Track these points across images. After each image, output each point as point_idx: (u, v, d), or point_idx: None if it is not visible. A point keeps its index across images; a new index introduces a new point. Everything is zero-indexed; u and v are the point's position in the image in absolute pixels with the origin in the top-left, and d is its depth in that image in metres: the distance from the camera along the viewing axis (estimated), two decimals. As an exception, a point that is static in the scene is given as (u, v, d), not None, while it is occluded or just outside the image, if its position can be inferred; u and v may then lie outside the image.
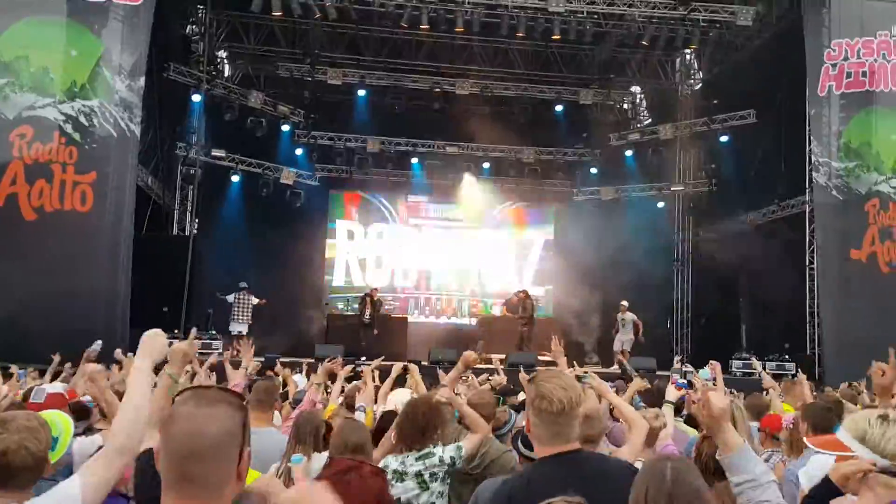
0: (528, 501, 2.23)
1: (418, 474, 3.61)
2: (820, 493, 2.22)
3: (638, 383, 5.93)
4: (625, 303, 15.83)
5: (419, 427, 3.70)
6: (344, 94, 18.27)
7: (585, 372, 5.47)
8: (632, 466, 2.50)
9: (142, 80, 13.35)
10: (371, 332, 15.52)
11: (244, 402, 1.64)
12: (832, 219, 14.81)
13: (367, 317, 15.75)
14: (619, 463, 2.48)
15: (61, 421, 3.13)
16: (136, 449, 2.11)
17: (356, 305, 16.53)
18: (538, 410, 2.36)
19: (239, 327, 15.13)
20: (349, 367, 6.74)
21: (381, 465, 3.69)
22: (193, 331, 3.79)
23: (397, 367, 6.01)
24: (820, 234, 14.95)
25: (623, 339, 15.57)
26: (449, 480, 3.67)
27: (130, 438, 2.09)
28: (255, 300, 15.24)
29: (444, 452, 3.66)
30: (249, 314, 15.21)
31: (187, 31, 17.11)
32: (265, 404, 4.48)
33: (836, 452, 2.28)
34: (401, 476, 3.59)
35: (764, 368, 13.78)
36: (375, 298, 16.58)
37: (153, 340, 2.37)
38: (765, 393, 6.77)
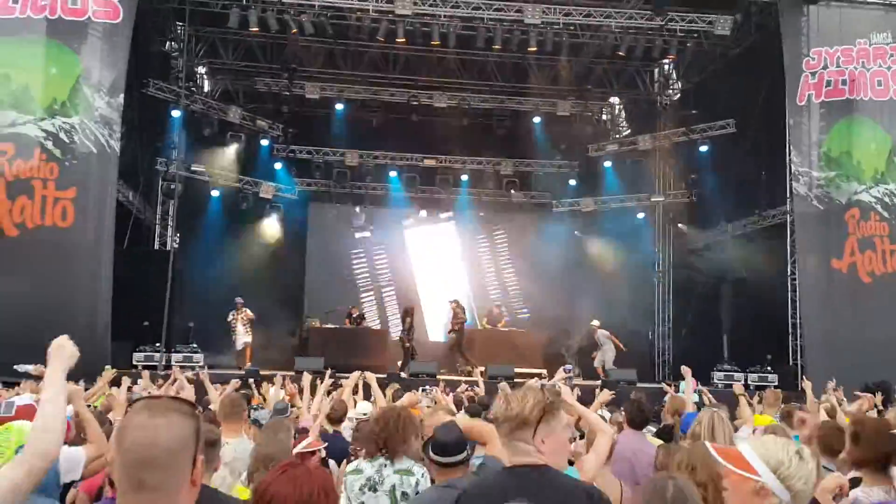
0: None
1: (392, 489, 3.53)
2: None
3: (605, 395, 5.89)
4: (595, 322, 15.76)
5: (393, 435, 3.64)
6: (322, 107, 18.30)
7: (550, 379, 5.49)
8: (592, 489, 2.44)
9: (121, 97, 13.49)
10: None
11: (196, 411, 1.66)
12: (813, 228, 14.84)
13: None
14: (578, 484, 2.41)
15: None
16: (54, 453, 2.13)
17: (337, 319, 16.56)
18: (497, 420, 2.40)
19: (245, 339, 15.40)
20: (329, 382, 6.77)
21: (353, 466, 3.63)
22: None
23: (354, 376, 5.99)
24: (801, 244, 14.97)
25: (604, 359, 15.47)
26: None
27: (49, 443, 2.13)
28: (250, 313, 15.45)
29: (422, 479, 3.58)
30: (250, 326, 15.44)
31: (166, 47, 17.20)
32: (234, 416, 4.65)
33: (736, 469, 2.27)
34: (374, 486, 3.52)
35: (746, 380, 13.95)
36: (356, 314, 16.56)
37: (63, 348, 2.40)
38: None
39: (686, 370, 6.71)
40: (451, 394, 8.56)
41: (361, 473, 3.57)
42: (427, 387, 11.08)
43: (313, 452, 4.18)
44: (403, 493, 3.52)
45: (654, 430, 6.01)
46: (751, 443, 2.34)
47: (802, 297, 14.79)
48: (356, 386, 6.98)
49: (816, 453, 2.32)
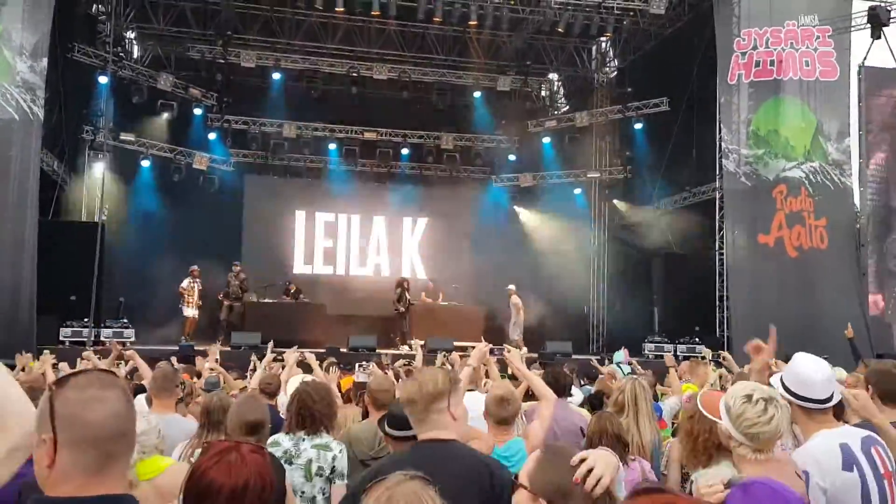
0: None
1: (308, 463, 3.51)
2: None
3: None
4: (511, 286, 15.98)
5: (315, 409, 3.63)
6: (258, 77, 17.83)
7: (502, 346, 5.59)
8: (492, 462, 2.56)
9: (44, 61, 12.99)
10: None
11: (123, 380, 1.74)
12: (741, 204, 15.37)
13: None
14: (478, 459, 2.50)
15: None
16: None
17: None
18: (403, 402, 2.59)
19: (190, 312, 14.92)
20: (271, 356, 6.70)
21: (272, 440, 3.61)
22: None
23: (295, 354, 5.93)
24: (729, 220, 15.48)
25: (520, 324, 15.69)
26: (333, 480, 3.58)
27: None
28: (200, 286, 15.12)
29: (339, 454, 3.57)
30: (198, 298, 15.09)
31: (93, 10, 16.48)
32: (166, 391, 4.51)
33: (709, 414, 2.44)
34: (290, 459, 3.50)
35: (675, 351, 14.46)
36: (294, 289, 16.39)
37: None
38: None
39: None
40: (389, 368, 8.57)
41: (279, 446, 3.54)
42: (364, 362, 11.08)
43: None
44: (319, 468, 3.52)
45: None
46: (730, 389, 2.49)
47: (730, 271, 15.35)
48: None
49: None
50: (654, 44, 17.41)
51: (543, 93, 20.52)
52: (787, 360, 9.18)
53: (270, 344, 7.30)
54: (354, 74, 17.76)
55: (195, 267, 15.09)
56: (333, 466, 3.52)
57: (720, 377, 6.65)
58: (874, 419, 2.51)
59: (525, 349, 13.68)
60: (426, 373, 2.56)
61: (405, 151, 19.02)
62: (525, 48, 18.25)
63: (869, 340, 13.78)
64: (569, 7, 15.77)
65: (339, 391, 6.02)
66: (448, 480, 1.68)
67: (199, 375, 7.65)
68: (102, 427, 1.53)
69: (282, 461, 3.41)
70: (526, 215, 19.20)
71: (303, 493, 3.50)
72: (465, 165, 19.42)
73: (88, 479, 1.53)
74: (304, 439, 3.58)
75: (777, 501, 1.99)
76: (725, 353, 6.62)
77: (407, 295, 16.31)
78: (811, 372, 2.80)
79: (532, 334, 16.25)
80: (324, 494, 3.52)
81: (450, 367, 6.27)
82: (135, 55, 17.68)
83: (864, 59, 15.02)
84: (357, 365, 11.80)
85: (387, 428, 3.31)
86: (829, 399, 2.75)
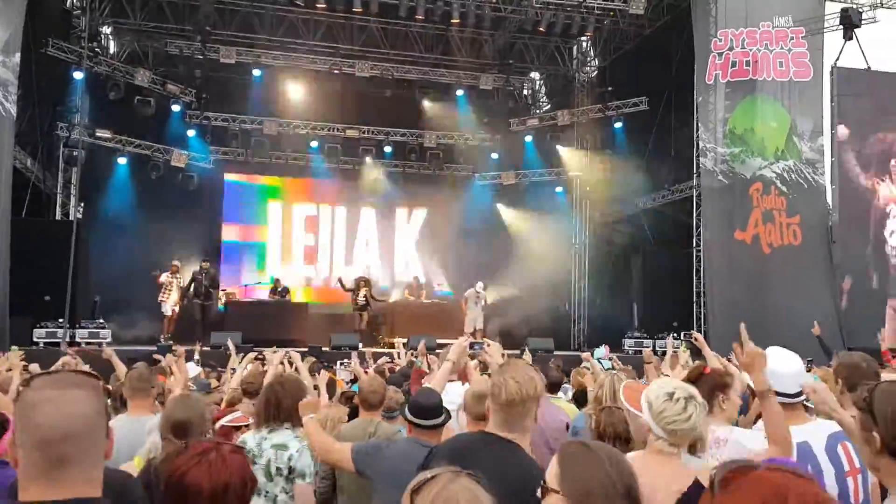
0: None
1: (268, 464, 3.50)
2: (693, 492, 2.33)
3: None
4: (479, 284, 15.94)
5: (279, 406, 3.63)
6: (238, 73, 17.64)
7: (484, 339, 5.60)
8: (539, 474, 2.50)
9: (17, 57, 12.73)
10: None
11: (99, 383, 1.60)
12: (718, 202, 15.59)
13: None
14: (536, 468, 2.42)
15: None
16: None
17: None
18: (492, 397, 2.52)
19: (168, 309, 14.53)
20: (252, 356, 6.64)
21: (240, 440, 3.59)
22: None
23: (279, 354, 5.86)
24: (706, 217, 15.69)
25: (475, 317, 15.52)
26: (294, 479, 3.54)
27: None
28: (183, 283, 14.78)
29: (295, 454, 3.52)
30: (177, 295, 14.66)
31: (67, 4, 16.20)
32: (141, 392, 4.35)
33: (629, 405, 2.52)
34: (254, 459, 3.46)
35: (654, 346, 14.59)
36: (280, 287, 16.28)
37: None
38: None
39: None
40: (372, 366, 8.55)
41: (246, 446, 3.49)
42: (346, 360, 11.03)
43: (239, 427, 4.09)
44: (278, 469, 3.50)
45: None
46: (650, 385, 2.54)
47: (707, 268, 15.55)
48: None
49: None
50: (633, 44, 17.58)
51: (525, 91, 20.60)
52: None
53: (231, 343, 7.11)
54: (336, 71, 17.67)
55: (176, 262, 14.77)
56: (290, 466, 3.49)
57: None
58: (834, 414, 2.46)
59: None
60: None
61: (388, 149, 18.97)
62: (507, 47, 18.32)
63: (841, 335, 14.06)
64: (550, 6, 15.85)
65: (332, 391, 5.97)
66: (504, 480, 1.67)
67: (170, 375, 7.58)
68: (50, 429, 1.45)
69: None
70: (508, 213, 19.25)
71: (266, 492, 3.49)
72: (448, 163, 19.42)
73: (49, 483, 1.46)
74: (265, 438, 3.57)
75: None
76: (697, 334, 6.68)
77: (362, 293, 16.02)
78: (781, 366, 2.79)
79: (514, 330, 16.32)
80: (286, 493, 3.50)
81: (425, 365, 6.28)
82: (111, 50, 17.41)
83: (837, 59, 15.28)
84: (338, 362, 11.78)
85: (409, 415, 3.35)
86: (799, 394, 2.75)
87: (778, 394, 2.70)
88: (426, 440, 3.22)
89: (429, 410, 3.36)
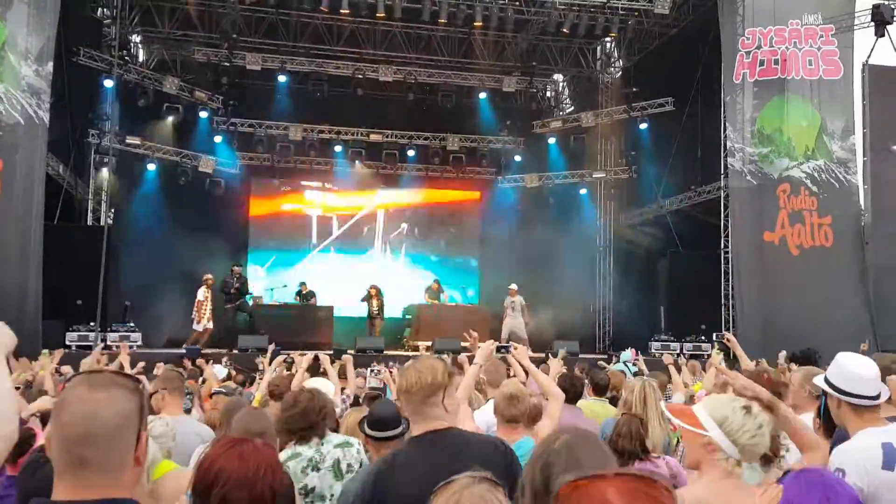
0: (392, 481, 2.30)
1: (336, 463, 3.45)
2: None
3: (557, 365, 5.99)
4: (514, 286, 15.87)
5: (313, 418, 3.55)
6: (264, 79, 17.84)
7: (508, 343, 5.59)
8: (499, 441, 2.57)
9: (50, 66, 12.96)
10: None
11: (140, 386, 1.58)
12: (746, 203, 15.39)
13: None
14: (485, 438, 2.52)
15: None
16: (12, 435, 2.01)
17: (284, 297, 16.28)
18: (399, 392, 2.57)
19: (201, 327, 14.44)
20: (280, 359, 6.69)
21: (289, 452, 3.59)
22: None
23: (308, 357, 5.92)
24: (734, 218, 15.50)
25: (513, 324, 15.37)
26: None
27: (5, 426, 2.00)
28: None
29: (360, 446, 3.53)
30: (210, 310, 14.61)
31: (98, 14, 16.50)
32: (178, 391, 4.54)
33: (685, 424, 2.40)
34: (317, 466, 3.41)
35: (681, 350, 14.45)
36: (305, 291, 16.38)
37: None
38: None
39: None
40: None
41: (301, 456, 3.44)
42: (374, 365, 11.05)
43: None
44: (349, 465, 3.45)
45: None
46: (703, 402, 2.46)
47: (735, 269, 15.35)
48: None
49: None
50: (658, 43, 17.40)
51: (549, 93, 20.53)
52: (791, 358, 9.21)
53: (271, 347, 7.26)
54: (360, 76, 17.77)
55: (209, 276, 14.70)
56: (361, 460, 3.48)
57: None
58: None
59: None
60: (425, 363, 2.54)
61: (411, 153, 19.02)
62: (530, 49, 18.27)
63: (874, 336, 13.79)
64: (573, 7, 15.79)
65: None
66: (473, 464, 1.66)
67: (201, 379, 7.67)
68: (70, 427, 1.46)
69: (309, 469, 3.34)
70: (532, 215, 19.18)
71: (332, 494, 3.41)
72: (471, 166, 19.41)
73: (76, 482, 1.46)
74: (322, 444, 3.51)
75: (828, 490, 2.02)
76: (729, 335, 6.58)
77: (374, 302, 16.05)
78: (860, 369, 2.80)
79: (539, 334, 16.23)
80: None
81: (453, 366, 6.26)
82: (140, 59, 17.74)
83: (868, 57, 15.00)
84: (368, 369, 11.82)
85: (367, 430, 3.29)
86: (878, 396, 2.76)
87: (860, 396, 2.74)
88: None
89: (385, 422, 3.29)
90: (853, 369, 2.79)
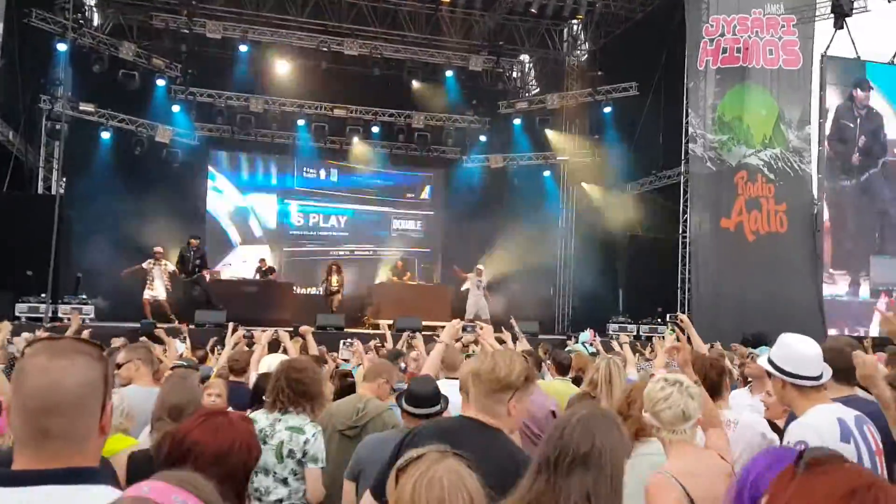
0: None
1: (280, 445, 3.47)
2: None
3: (521, 346, 6.02)
4: (481, 266, 15.93)
5: (300, 389, 3.57)
6: (225, 49, 17.34)
7: (473, 321, 5.59)
8: (528, 460, 2.47)
9: (0, 27, 12.33)
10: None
11: (103, 353, 1.51)
12: (705, 189, 15.66)
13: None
14: (519, 455, 2.39)
15: None
16: None
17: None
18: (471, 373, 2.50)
19: (158, 293, 14.13)
20: (240, 333, 6.58)
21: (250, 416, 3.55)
22: None
23: (268, 333, 5.85)
24: (693, 203, 15.76)
25: (480, 304, 15.44)
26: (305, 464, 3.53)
27: None
28: (172, 267, 14.41)
29: (311, 438, 3.50)
30: (167, 280, 14.30)
31: (50, -26, 15.81)
32: (146, 363, 4.44)
33: None
34: (264, 439, 3.43)
35: (638, 332, 14.71)
36: (265, 267, 16.19)
37: None
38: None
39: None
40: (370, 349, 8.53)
41: (255, 424, 3.48)
42: (348, 340, 11.13)
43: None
44: (290, 451, 3.46)
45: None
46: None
47: (692, 254, 15.63)
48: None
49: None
50: (625, 28, 17.47)
51: (515, 74, 20.46)
52: (744, 341, 9.43)
53: (231, 325, 7.16)
54: (324, 49, 17.45)
55: (158, 248, 14.41)
56: (305, 450, 3.47)
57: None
58: (874, 389, 2.67)
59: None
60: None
61: (375, 129, 18.81)
62: (497, 28, 18.17)
63: (822, 322, 14.24)
64: (542, -13, 15.73)
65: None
66: (487, 467, 1.61)
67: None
68: (33, 399, 1.39)
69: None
70: (495, 196, 19.21)
71: (275, 473, 3.46)
72: (436, 145, 19.30)
73: (37, 453, 1.40)
74: (279, 419, 3.53)
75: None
76: (683, 316, 6.68)
77: (335, 279, 16.00)
78: (802, 349, 2.84)
79: (500, 314, 16.32)
80: (295, 475, 3.48)
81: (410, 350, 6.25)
82: (95, 23, 17.06)
83: (827, 48, 15.31)
84: (342, 341, 11.83)
85: (404, 404, 3.31)
86: (821, 376, 2.80)
87: (802, 377, 2.78)
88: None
89: (425, 399, 3.30)
90: (796, 350, 2.83)
